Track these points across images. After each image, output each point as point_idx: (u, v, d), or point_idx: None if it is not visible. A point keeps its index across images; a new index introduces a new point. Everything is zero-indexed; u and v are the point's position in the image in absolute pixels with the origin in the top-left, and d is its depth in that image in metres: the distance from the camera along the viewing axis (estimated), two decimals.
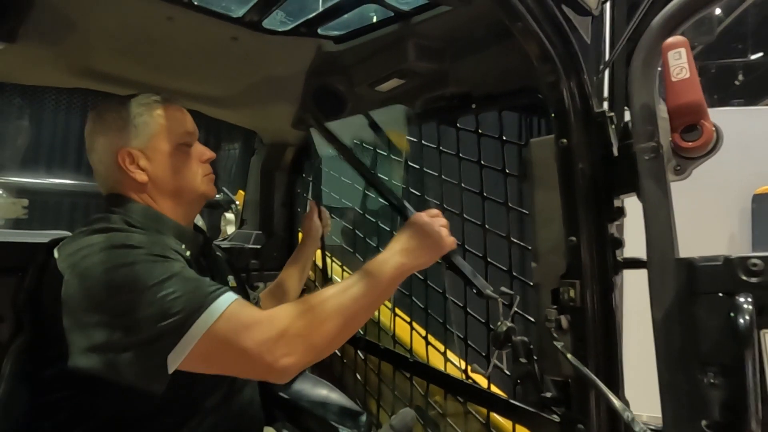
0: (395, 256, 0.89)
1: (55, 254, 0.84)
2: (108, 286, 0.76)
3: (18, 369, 0.97)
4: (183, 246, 0.93)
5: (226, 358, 0.77)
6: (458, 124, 1.20)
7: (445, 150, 1.24)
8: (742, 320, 0.50)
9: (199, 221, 2.34)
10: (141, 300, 0.75)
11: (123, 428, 0.84)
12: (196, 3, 1.00)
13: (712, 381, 0.55)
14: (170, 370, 0.74)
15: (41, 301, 0.85)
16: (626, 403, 0.76)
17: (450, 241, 0.96)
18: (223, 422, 0.94)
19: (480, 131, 1.15)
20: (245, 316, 0.77)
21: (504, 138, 1.10)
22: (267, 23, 1.08)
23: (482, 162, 1.15)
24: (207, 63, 1.24)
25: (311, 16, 1.07)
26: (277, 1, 1.00)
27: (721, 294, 0.57)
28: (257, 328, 0.76)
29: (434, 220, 0.95)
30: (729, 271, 0.57)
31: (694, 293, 0.60)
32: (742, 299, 0.52)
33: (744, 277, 0.55)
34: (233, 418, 0.97)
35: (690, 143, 0.67)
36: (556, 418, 0.87)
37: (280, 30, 1.11)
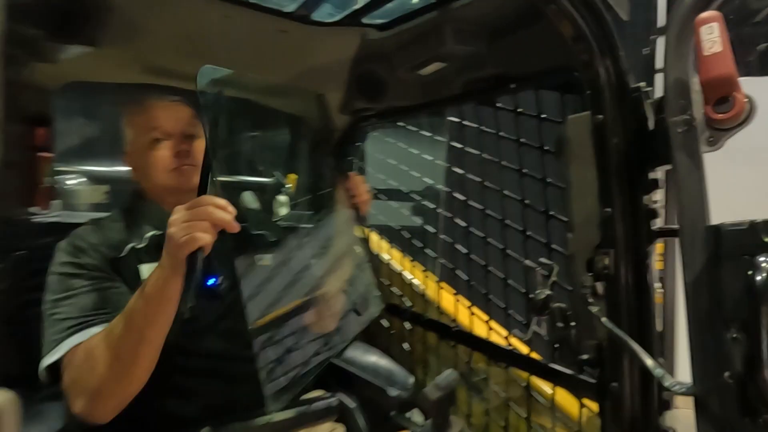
0: (158, 268, 0.84)
1: None
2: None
3: None
4: (149, 234, 1.07)
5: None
6: (497, 104, 1.24)
7: (485, 129, 1.28)
8: (759, 278, 0.54)
9: (254, 203, 2.50)
10: (46, 308, 0.95)
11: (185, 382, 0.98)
12: (251, 1, 1.09)
13: (734, 336, 0.59)
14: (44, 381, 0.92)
15: None
16: (659, 362, 0.81)
17: (185, 239, 0.79)
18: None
19: (519, 110, 1.19)
20: (71, 359, 0.88)
21: (542, 116, 1.14)
22: (315, 16, 1.16)
23: (521, 140, 1.19)
24: (259, 55, 1.34)
25: (357, 7, 1.14)
26: None
27: (745, 256, 0.60)
28: (67, 375, 0.88)
29: (184, 213, 0.81)
30: (753, 235, 0.60)
31: (721, 257, 0.64)
32: (762, 259, 0.56)
33: (766, 240, 0.58)
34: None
35: (722, 115, 0.70)
36: (591, 379, 0.93)
37: (327, 21, 1.18)
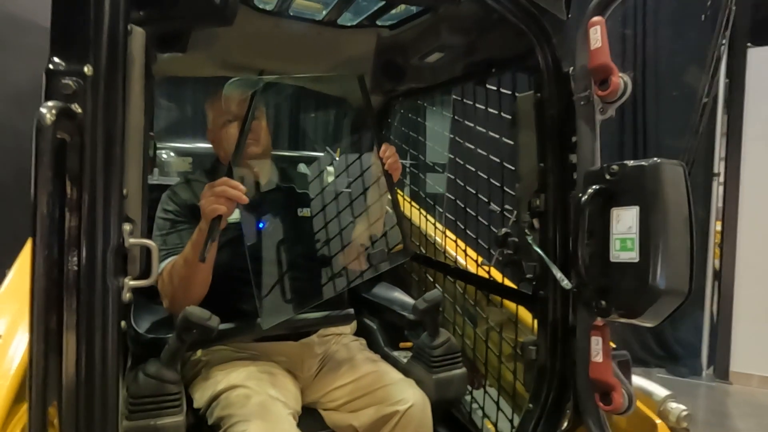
0: (199, 224, 1.19)
1: None
2: None
3: None
4: None
5: None
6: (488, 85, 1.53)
7: (478, 105, 1.59)
8: (581, 195, 0.84)
9: (309, 172, 2.96)
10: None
11: (247, 291, 1.35)
12: (291, 14, 1.46)
13: (586, 242, 0.89)
14: None
15: None
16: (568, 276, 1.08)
17: (209, 210, 1.14)
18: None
19: (501, 89, 1.47)
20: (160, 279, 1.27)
21: (516, 93, 1.41)
22: (340, 21, 1.51)
23: (501, 113, 1.48)
24: (303, 52, 1.71)
25: (369, 12, 1.47)
26: (347, 6, 1.42)
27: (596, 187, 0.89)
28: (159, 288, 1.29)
29: (209, 191, 1.15)
30: (602, 173, 0.89)
31: (589, 189, 0.93)
32: (593, 186, 0.85)
33: (607, 176, 0.87)
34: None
35: (603, 92, 0.97)
36: (530, 291, 1.23)
37: (349, 25, 1.53)
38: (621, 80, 0.95)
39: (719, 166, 4.21)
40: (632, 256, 0.81)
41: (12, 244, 1.33)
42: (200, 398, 1.28)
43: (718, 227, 4.20)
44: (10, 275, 1.32)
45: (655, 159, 0.83)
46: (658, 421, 1.07)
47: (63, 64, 0.72)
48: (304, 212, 1.62)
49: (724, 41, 3.80)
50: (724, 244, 4.10)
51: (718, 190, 4.19)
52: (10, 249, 1.36)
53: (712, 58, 3.42)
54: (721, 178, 4.19)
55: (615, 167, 0.86)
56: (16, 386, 0.95)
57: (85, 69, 0.72)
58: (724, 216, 4.13)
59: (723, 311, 4.07)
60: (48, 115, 0.66)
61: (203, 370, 1.35)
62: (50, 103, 0.68)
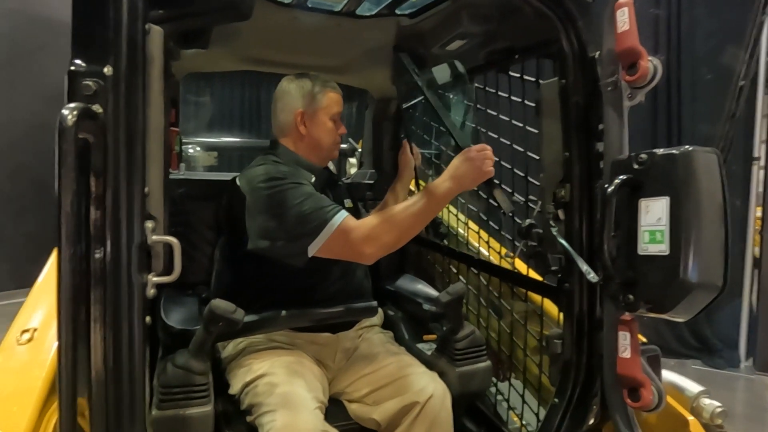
0: (446, 181, 1.20)
1: (237, 182, 1.41)
2: (269, 204, 1.28)
3: (224, 254, 1.61)
4: (313, 178, 1.41)
5: (338, 251, 1.25)
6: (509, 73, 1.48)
7: (501, 93, 1.55)
8: (608, 186, 0.80)
9: (331, 165, 2.97)
10: (289, 213, 1.25)
11: (279, 282, 1.39)
12: (310, 6, 1.45)
13: (613, 234, 0.86)
14: (310, 255, 1.24)
15: (233, 212, 1.41)
16: (594, 269, 1.05)
17: (488, 170, 1.19)
18: (343, 289, 1.45)
19: (525, 76, 1.43)
20: (349, 225, 1.22)
21: (540, 80, 1.37)
22: (359, 11, 1.49)
23: (525, 101, 1.44)
24: (322, 43, 1.70)
25: (389, 1, 1.44)
26: None
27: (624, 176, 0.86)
28: (354, 234, 1.21)
29: (479, 154, 1.18)
30: (629, 163, 0.85)
31: (615, 179, 0.90)
32: (620, 176, 0.82)
33: (635, 166, 0.84)
34: (351, 290, 1.47)
35: (632, 77, 0.92)
36: (555, 283, 1.20)
37: (368, 15, 1.51)
38: (650, 64, 0.91)
39: (759, 150, 4.02)
40: (662, 248, 0.78)
41: (54, 241, 1.37)
42: (235, 385, 1.31)
43: (759, 213, 4.02)
44: (46, 268, 1.37)
45: (687, 146, 0.79)
46: (690, 417, 1.03)
47: (84, 65, 0.73)
48: (348, 202, 1.61)
49: (764, 17, 3.60)
50: (764, 231, 3.93)
51: (758, 175, 4.01)
52: (53, 246, 1.40)
53: (750, 36, 3.23)
54: (762, 162, 4.00)
55: (643, 156, 0.83)
56: (52, 377, 0.99)
57: (105, 69, 0.73)
58: (765, 201, 3.95)
59: (763, 300, 3.91)
60: (70, 117, 0.67)
61: (239, 358, 1.37)
62: (72, 105, 0.69)
